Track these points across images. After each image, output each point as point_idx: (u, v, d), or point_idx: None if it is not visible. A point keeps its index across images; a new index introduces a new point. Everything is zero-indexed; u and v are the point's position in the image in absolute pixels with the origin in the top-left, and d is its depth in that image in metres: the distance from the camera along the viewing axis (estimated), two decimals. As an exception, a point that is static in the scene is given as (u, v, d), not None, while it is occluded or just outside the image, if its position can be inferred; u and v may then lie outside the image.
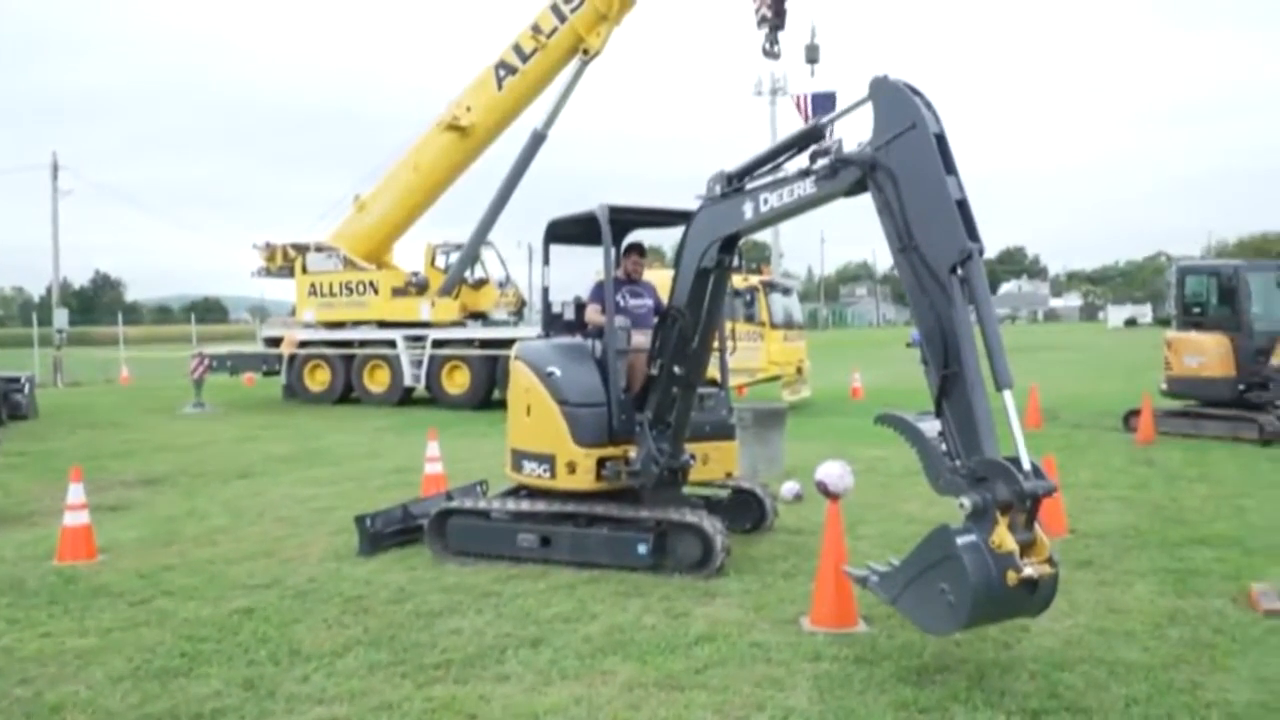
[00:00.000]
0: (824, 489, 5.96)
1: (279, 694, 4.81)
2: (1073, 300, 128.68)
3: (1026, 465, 4.57)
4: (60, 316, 34.19)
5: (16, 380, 19.83)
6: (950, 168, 4.96)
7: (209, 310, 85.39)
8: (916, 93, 5.09)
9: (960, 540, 4.52)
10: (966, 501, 4.56)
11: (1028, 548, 4.61)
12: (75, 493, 7.71)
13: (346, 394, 21.73)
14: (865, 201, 5.34)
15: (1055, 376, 25.32)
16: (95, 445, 15.12)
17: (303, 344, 22.35)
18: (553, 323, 8.17)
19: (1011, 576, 4.44)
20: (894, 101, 5.09)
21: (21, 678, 5.07)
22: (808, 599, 5.97)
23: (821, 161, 5.48)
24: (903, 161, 5.03)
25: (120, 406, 22.54)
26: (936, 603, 4.60)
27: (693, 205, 6.59)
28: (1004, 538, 4.48)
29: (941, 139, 5.00)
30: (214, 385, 23.24)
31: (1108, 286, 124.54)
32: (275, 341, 23.00)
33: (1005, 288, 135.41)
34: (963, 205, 4.90)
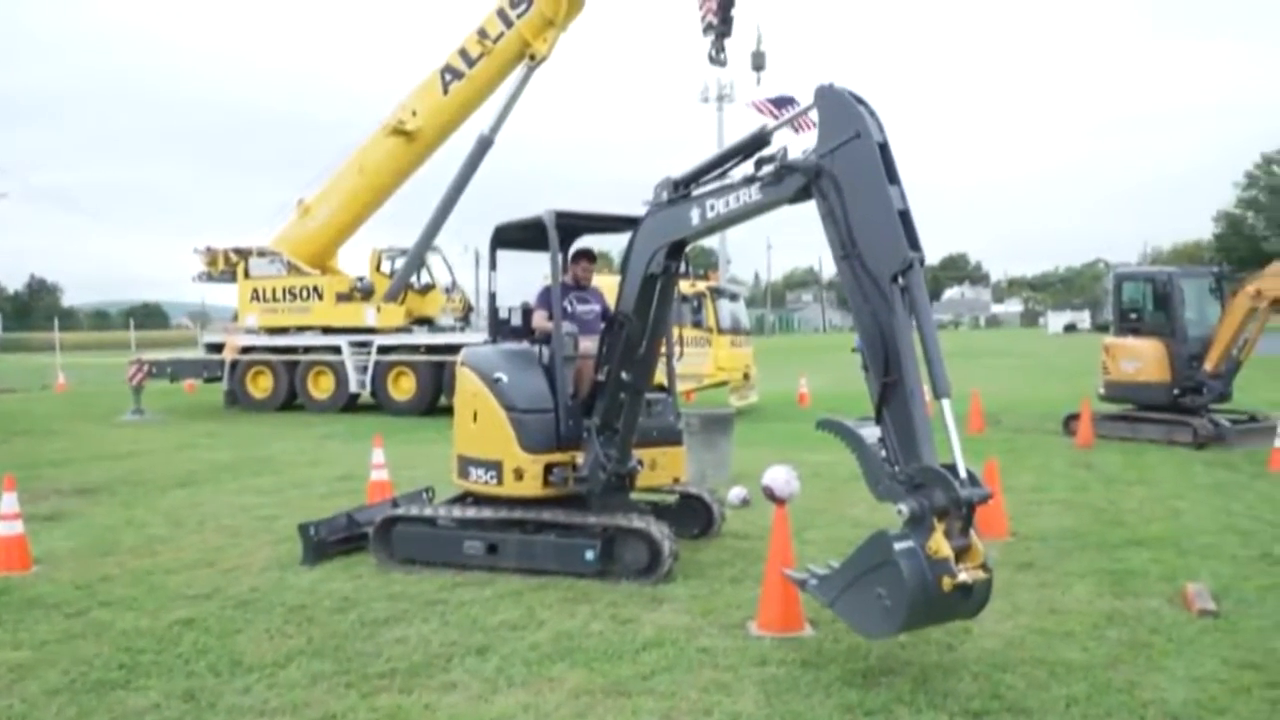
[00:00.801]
0: (770, 494, 6.01)
1: (220, 706, 4.73)
2: (1014, 306, 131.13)
3: (963, 473, 4.68)
4: (-8, 322, 33.23)
5: (-55, 387, 19.24)
6: (893, 177, 5.04)
7: (149, 316, 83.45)
8: (861, 101, 5.16)
9: (897, 546, 4.61)
10: (904, 508, 4.65)
11: (963, 553, 4.72)
12: (9, 502, 7.49)
13: (290, 401, 21.40)
14: (811, 208, 5.41)
15: (997, 381, 25.78)
16: (30, 453, 14.71)
17: (245, 350, 21.96)
18: (500, 328, 8.13)
19: (946, 582, 4.53)
20: (838, 110, 5.16)
21: (-50, 694, 4.93)
22: (754, 604, 6.01)
23: (767, 168, 5.53)
24: (846, 170, 5.10)
25: (56, 414, 21.96)
26: (873, 607, 4.69)
27: (640, 211, 6.59)
28: (940, 544, 4.57)
29: (885, 148, 5.08)
30: (154, 392, 22.77)
31: (1048, 293, 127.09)
32: (217, 347, 22.59)
33: (948, 294, 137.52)
34: (904, 215, 4.98)
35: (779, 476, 6.00)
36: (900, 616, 4.60)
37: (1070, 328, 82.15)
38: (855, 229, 5.07)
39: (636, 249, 6.53)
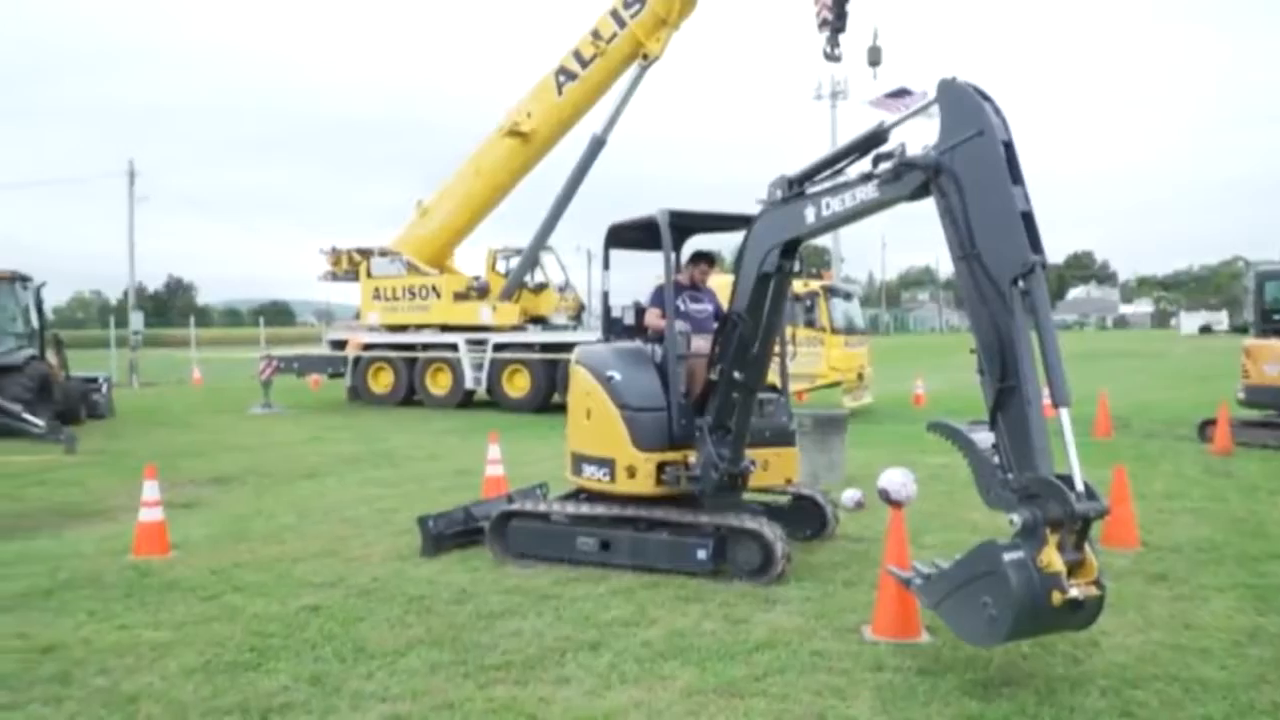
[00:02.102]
0: (886, 497, 5.90)
1: (344, 690, 4.90)
2: (1144, 306, 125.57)
3: (1080, 485, 4.53)
4: (136, 319, 35.26)
5: (95, 380, 20.47)
6: (1017, 177, 4.88)
7: (277, 313, 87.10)
8: (986, 97, 5.01)
9: (1007, 556, 4.51)
10: (1016, 518, 4.55)
11: (1075, 568, 4.58)
12: (150, 490, 7.93)
13: (409, 396, 22.04)
14: (928, 206, 5.29)
15: (1126, 384, 24.74)
16: (168, 444, 15.54)
17: (367, 347, 22.73)
18: (612, 327, 8.20)
19: (1056, 596, 4.43)
20: (962, 105, 5.02)
21: (100, 668, 5.23)
22: (869, 608, 5.91)
23: (884, 165, 5.43)
24: (968, 168, 4.96)
25: (192, 407, 23.14)
26: (978, 615, 4.62)
27: (753, 210, 6.57)
28: (1052, 557, 4.45)
29: (1009, 147, 4.92)
30: (281, 387, 23.72)
31: (1181, 292, 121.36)
32: (341, 344, 23.43)
33: (1073, 293, 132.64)
34: (1027, 216, 4.82)
35: (895, 479, 5.89)
36: (1006, 627, 4.52)
37: (1205, 329, 78.23)
38: (975, 229, 4.93)
39: (750, 248, 6.49)
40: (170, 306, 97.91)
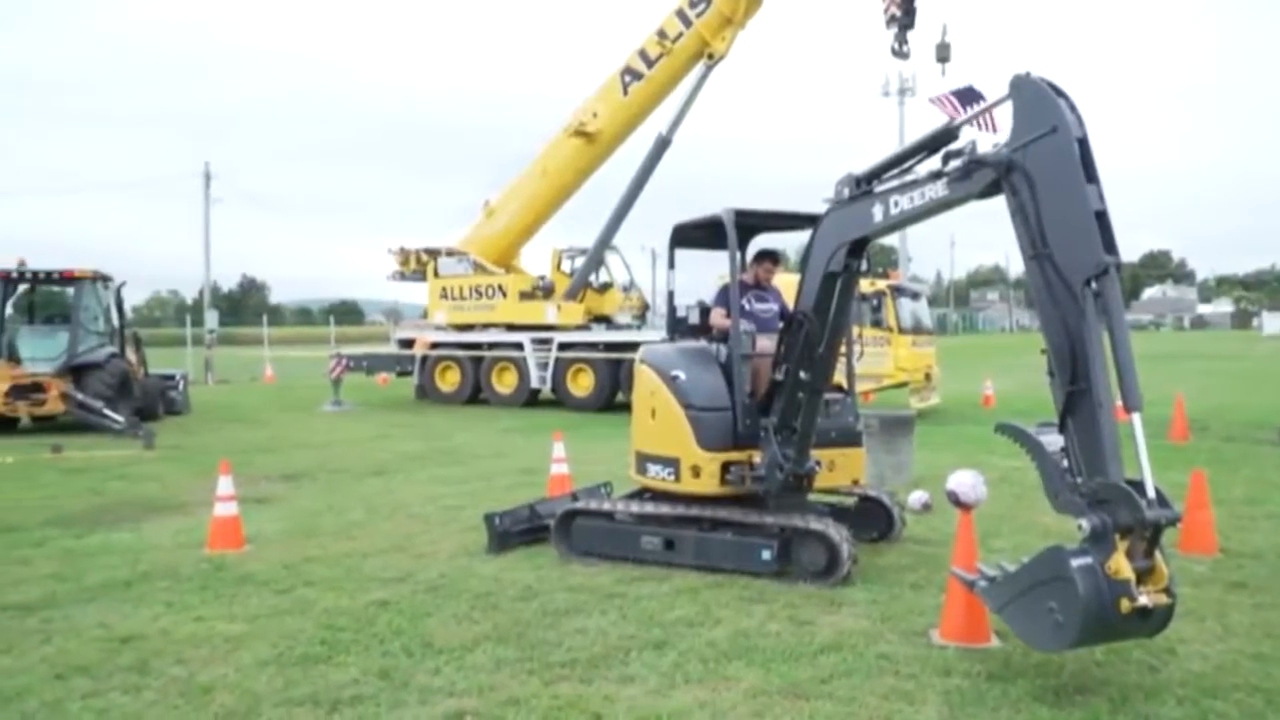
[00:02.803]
0: (955, 499, 5.80)
1: (412, 685, 4.97)
2: (1223, 306, 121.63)
3: (1151, 492, 4.42)
4: (211, 318, 36.20)
5: (172, 378, 21.08)
6: (1091, 175, 4.77)
7: (346, 313, 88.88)
8: (1060, 94, 4.90)
9: (1074, 562, 4.42)
10: (1084, 523, 4.45)
11: (1145, 575, 4.48)
12: (225, 485, 8.14)
13: (475, 395, 22.28)
14: (998, 205, 5.20)
15: (1204, 386, 24.03)
16: (242, 440, 15.93)
17: (434, 346, 23.04)
18: (677, 326, 8.20)
19: (1125, 605, 4.33)
20: (1035, 102, 4.92)
21: (177, 658, 5.39)
22: (937, 611, 5.82)
23: (954, 163, 5.34)
24: (1041, 165, 4.86)
25: (264, 404, 23.69)
26: (1044, 620, 4.55)
27: (820, 208, 6.52)
28: (1121, 564, 4.36)
29: (1084, 144, 4.81)
30: (351, 384, 24.15)
31: (1263, 292, 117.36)
32: (408, 343, 23.78)
33: (1149, 293, 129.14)
34: (1102, 216, 4.71)
35: (965, 481, 5.79)
36: (1072, 634, 4.45)
37: (1289, 329, 75.46)
38: (1048, 228, 4.83)
39: (816, 247, 6.45)
40: (244, 305, 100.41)
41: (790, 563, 6.85)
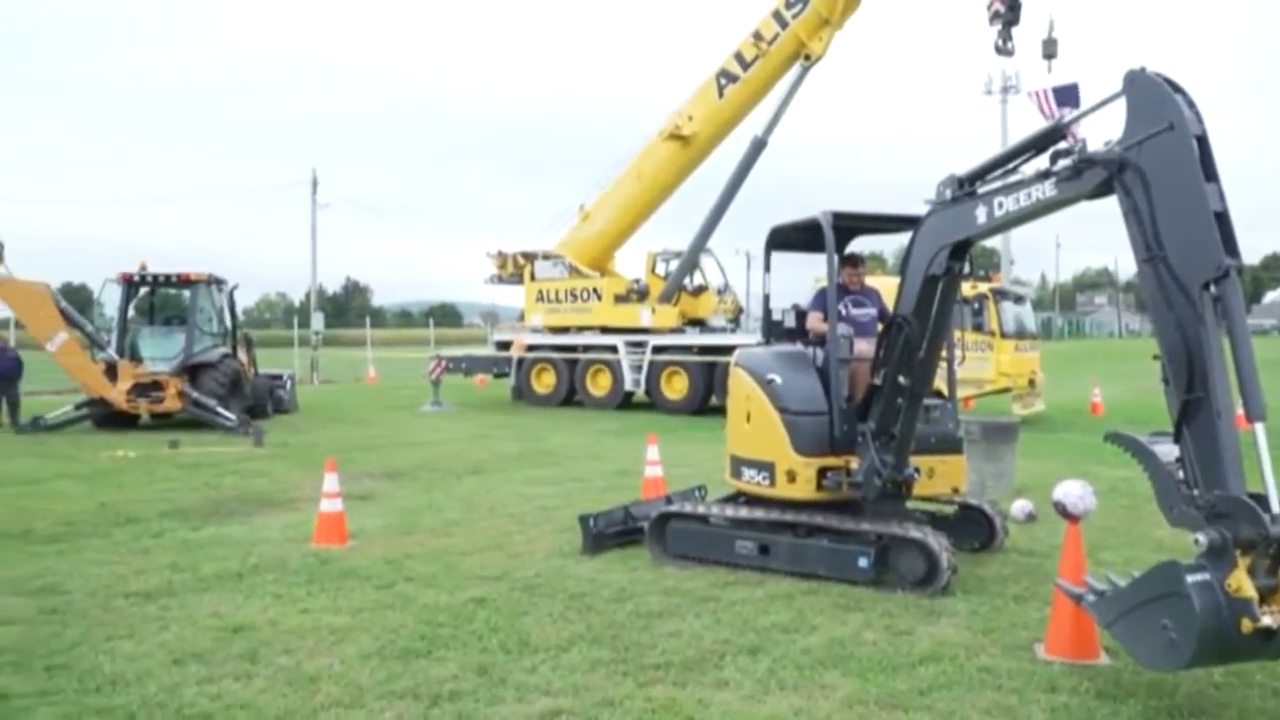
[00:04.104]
0: (1062, 509, 5.63)
1: (509, 682, 5.04)
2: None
3: (1275, 506, 4.19)
4: (317, 320, 37.42)
5: (280, 377, 21.84)
6: (1210, 174, 4.56)
7: (445, 315, 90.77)
8: (1177, 89, 4.71)
9: (1191, 579, 4.21)
10: (1202, 538, 4.24)
11: (1269, 595, 4.24)
12: (330, 482, 8.39)
13: (570, 397, 22.50)
14: (1107, 205, 5.03)
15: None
16: (345, 439, 16.39)
17: (531, 348, 23.35)
18: (773, 330, 8.15)
19: (1245, 624, 4.10)
20: (1151, 98, 4.74)
21: (285, 648, 5.57)
22: (1042, 625, 5.66)
23: (1063, 162, 5.19)
24: (1156, 164, 4.68)
25: (367, 404, 24.34)
26: (1156, 638, 4.35)
27: (920, 210, 6.40)
28: (1242, 582, 4.13)
29: (1203, 142, 4.60)
30: (450, 385, 24.63)
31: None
32: (505, 345, 24.16)
33: (1270, 296, 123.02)
34: (1222, 217, 4.49)
35: (1072, 491, 5.61)
36: (1187, 653, 4.23)
37: None
38: (1163, 230, 4.64)
39: (917, 249, 6.33)
40: (348, 308, 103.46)
41: (887, 571, 6.73)
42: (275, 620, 6.10)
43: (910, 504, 7.36)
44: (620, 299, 22.45)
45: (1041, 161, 5.47)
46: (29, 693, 4.90)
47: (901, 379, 6.54)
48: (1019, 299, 20.08)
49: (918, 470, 6.93)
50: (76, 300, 19.86)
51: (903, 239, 6.68)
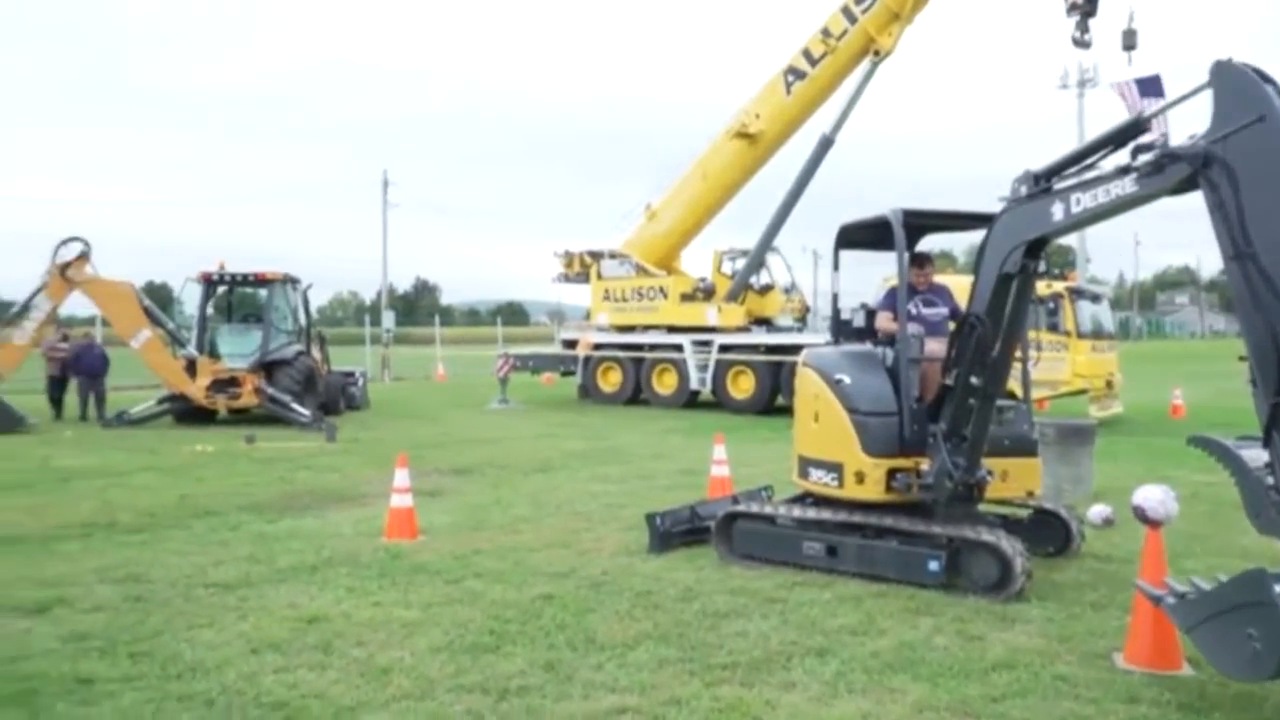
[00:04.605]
0: (1142, 515, 5.47)
1: (576, 679, 5.07)
2: None
3: None
4: (388, 318, 38.09)
5: (352, 375, 22.27)
6: None
7: (512, 314, 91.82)
8: (1267, 80, 4.54)
9: (1279, 588, 4.06)
10: None
11: None
12: (401, 478, 8.52)
13: (636, 395, 22.55)
14: (1191, 201, 4.88)
15: None
16: (415, 435, 16.65)
17: (597, 346, 23.45)
18: (841, 329, 8.07)
19: None
20: (1239, 89, 4.58)
21: (358, 640, 5.68)
22: (1120, 633, 5.51)
23: (1145, 157, 5.04)
24: (1245, 157, 4.52)
25: (436, 401, 24.69)
26: (1240, 647, 4.22)
27: (994, 207, 6.29)
28: None
29: (1295, 134, 4.44)
30: (517, 384, 24.86)
31: None
32: (572, 344, 24.30)
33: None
34: None
35: (1153, 496, 5.45)
36: (1272, 664, 4.11)
37: None
38: (1251, 226, 4.48)
39: (991, 247, 6.22)
40: (417, 306, 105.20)
41: (959, 575, 6.63)
42: (348, 612, 6.22)
43: (983, 507, 7.23)
44: (686, 298, 22.43)
45: (1122, 156, 5.34)
46: (114, 678, 5.06)
47: (974, 380, 6.42)
48: (1096, 298, 19.59)
49: (991, 473, 6.80)
50: (158, 299, 20.45)
51: (973, 237, 6.59)
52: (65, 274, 17.48)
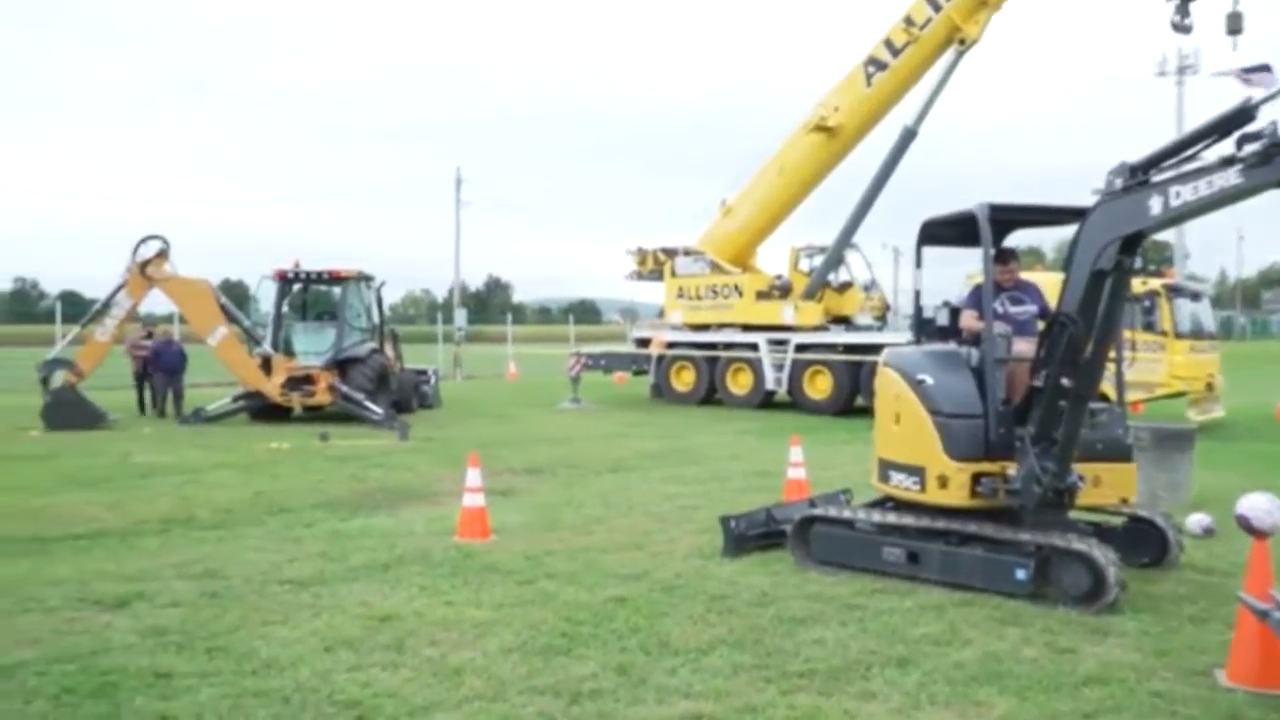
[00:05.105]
0: (1247, 525, 5.29)
1: (649, 683, 5.08)
2: None
3: None
4: (460, 316, 38.64)
5: (425, 373, 22.64)
6: None
7: (584, 311, 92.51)
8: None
9: None
10: None
11: None
12: (473, 477, 8.64)
13: (710, 395, 22.50)
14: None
15: None
16: (487, 434, 16.85)
17: (670, 345, 23.45)
18: (924, 328, 7.95)
19: None
20: (1354, 73, 4.40)
21: (430, 640, 5.77)
22: (1223, 649, 5.33)
23: (1251, 147, 4.88)
24: None
25: (507, 400, 24.97)
26: None
27: (1087, 201, 6.15)
28: None
29: None
30: (588, 382, 24.99)
31: None
32: (645, 342, 24.34)
33: None
34: None
35: (1259, 505, 5.26)
36: None
37: None
38: None
39: (1084, 242, 6.09)
40: (490, 304, 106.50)
41: (1048, 584, 6.48)
42: (420, 611, 6.32)
43: (1073, 514, 7.05)
44: (762, 296, 22.29)
45: (1225, 147, 5.18)
46: (191, 673, 5.23)
47: (1065, 381, 6.28)
48: (1195, 296, 18.98)
49: (1082, 478, 6.64)
50: (233, 296, 20.99)
51: (1062, 233, 6.44)
52: (144, 272, 18.05)
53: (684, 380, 23.11)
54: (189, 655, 5.51)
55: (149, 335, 21.06)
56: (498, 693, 4.96)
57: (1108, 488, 6.99)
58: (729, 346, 22.40)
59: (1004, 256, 7.64)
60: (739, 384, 22.08)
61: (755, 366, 21.66)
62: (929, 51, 20.33)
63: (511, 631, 5.91)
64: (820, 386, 20.65)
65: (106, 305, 18.33)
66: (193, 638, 5.80)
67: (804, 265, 23.17)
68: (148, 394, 20.28)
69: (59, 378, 17.75)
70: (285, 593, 6.80)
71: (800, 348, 20.99)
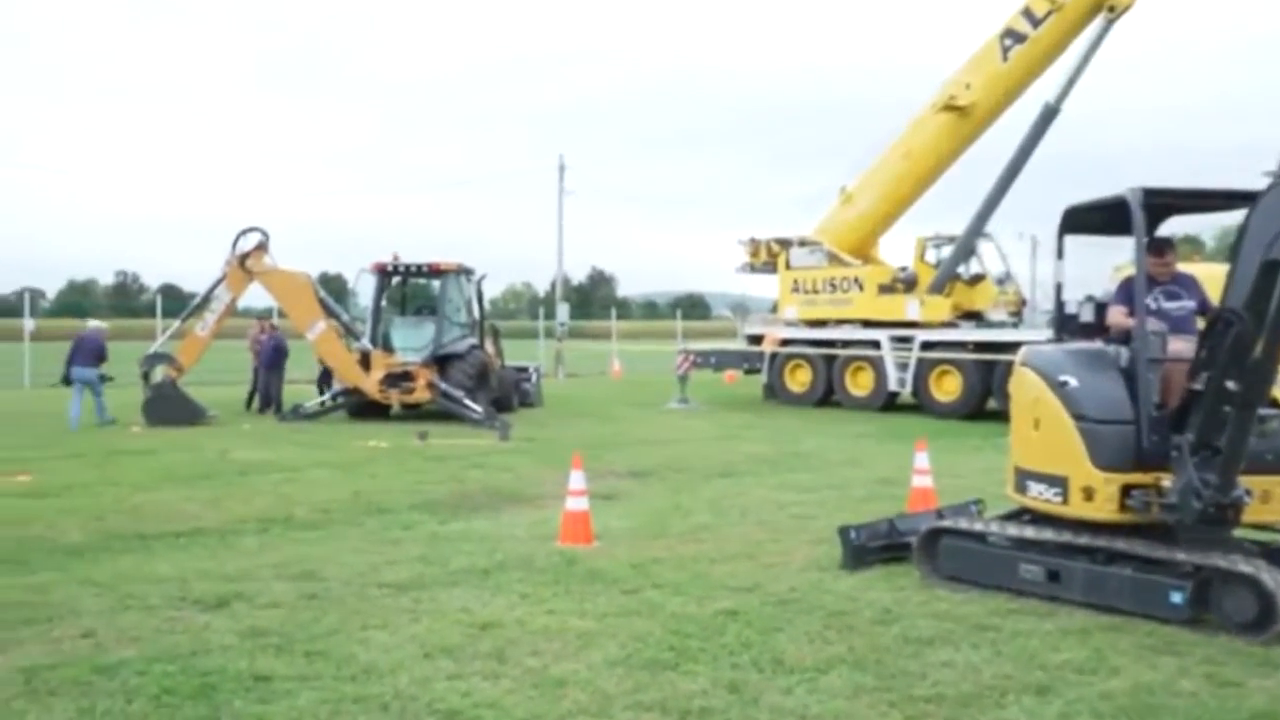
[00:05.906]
0: None
1: (762, 703, 5.04)
2: None
3: None
4: (562, 311, 39.07)
5: (526, 370, 22.97)
6: None
7: (693, 306, 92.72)
8: None
9: None
10: None
11: None
12: (576, 480, 8.72)
13: (827, 396, 22.27)
14: None
15: None
16: (590, 435, 17.01)
17: (784, 342, 23.29)
18: (1066, 325, 7.73)
19: None
20: None
21: (532, 649, 5.84)
22: None
23: None
24: None
25: (611, 399, 25.16)
26: None
27: (1257, 184, 5.89)
28: None
29: None
30: (697, 381, 25.01)
31: None
32: (757, 339, 24.24)
33: None
34: None
35: None
36: None
37: None
38: None
39: (1253, 231, 5.84)
40: (593, 298, 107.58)
41: (1208, 610, 6.21)
42: (522, 620, 6.41)
43: (1239, 532, 6.74)
44: (884, 289, 21.93)
45: None
46: (290, 676, 5.40)
47: (1230, 384, 6.00)
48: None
49: (1249, 492, 6.32)
50: (330, 290, 21.59)
51: (1226, 219, 6.16)
52: (244, 265, 18.73)
53: (799, 380, 22.92)
54: (288, 658, 5.69)
55: (264, 330, 21.75)
56: (602, 708, 4.99)
57: (1278, 503, 6.67)
58: (848, 344, 22.12)
59: (1159, 247, 7.33)
60: (859, 384, 21.79)
61: (877, 366, 21.34)
62: (1073, 21, 19.73)
63: (616, 643, 5.94)
64: (948, 388, 20.21)
65: (206, 299, 19.08)
66: (292, 640, 5.99)
67: (931, 256, 22.75)
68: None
69: (159, 373, 18.59)
70: (384, 596, 6.97)
71: (926, 346, 20.59)
